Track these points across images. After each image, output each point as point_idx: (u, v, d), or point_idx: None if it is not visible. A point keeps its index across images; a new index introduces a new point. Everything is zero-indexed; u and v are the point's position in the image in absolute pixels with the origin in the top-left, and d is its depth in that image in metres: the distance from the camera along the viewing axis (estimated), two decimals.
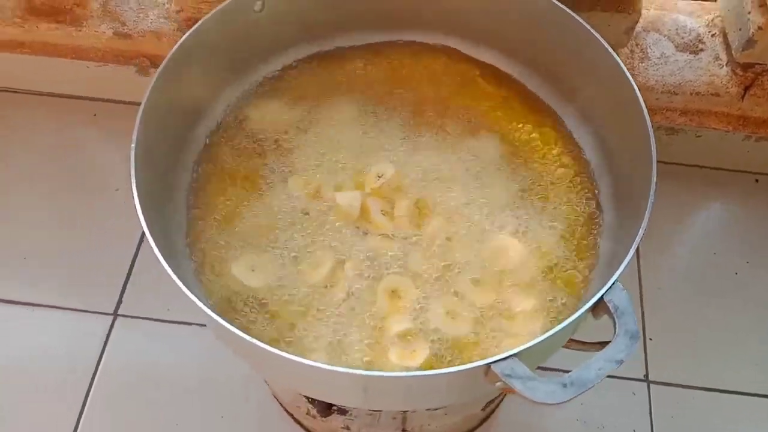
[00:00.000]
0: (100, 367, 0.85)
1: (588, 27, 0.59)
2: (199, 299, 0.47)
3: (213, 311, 0.47)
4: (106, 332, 0.87)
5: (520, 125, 0.63)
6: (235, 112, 0.64)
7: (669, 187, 1.00)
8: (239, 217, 0.59)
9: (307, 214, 0.58)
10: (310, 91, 0.66)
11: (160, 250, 0.49)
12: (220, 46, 0.60)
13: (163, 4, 0.96)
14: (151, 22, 0.95)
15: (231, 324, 0.46)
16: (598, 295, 0.44)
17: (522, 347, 0.42)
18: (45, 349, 0.86)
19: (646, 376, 0.87)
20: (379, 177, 0.58)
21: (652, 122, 0.96)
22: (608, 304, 0.43)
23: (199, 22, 0.58)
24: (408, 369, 0.51)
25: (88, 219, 0.96)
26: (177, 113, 0.59)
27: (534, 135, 0.62)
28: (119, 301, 0.89)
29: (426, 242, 0.56)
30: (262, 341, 0.45)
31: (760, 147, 0.96)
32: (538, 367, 0.53)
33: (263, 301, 0.55)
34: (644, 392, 0.86)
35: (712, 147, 0.97)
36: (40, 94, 1.07)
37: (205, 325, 0.86)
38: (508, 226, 0.57)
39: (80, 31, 0.95)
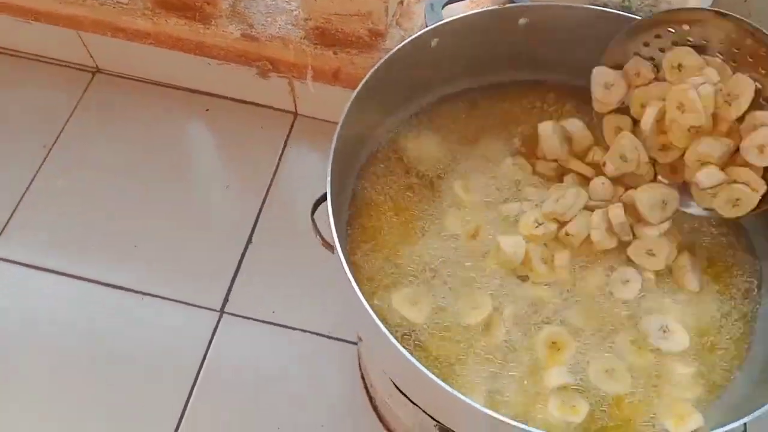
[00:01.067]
0: (205, 362, 0.87)
1: None
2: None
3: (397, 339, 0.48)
4: (213, 328, 0.89)
5: None
6: (393, 141, 0.65)
7: None
8: (397, 248, 0.60)
9: (466, 254, 0.59)
10: (466, 127, 0.66)
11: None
12: (393, 76, 0.61)
13: (292, 11, 0.97)
14: (279, 28, 0.96)
15: (417, 361, 0.47)
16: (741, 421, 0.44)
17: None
18: (152, 339, 0.88)
19: None
20: (538, 224, 0.58)
21: None
22: None
23: (391, 51, 0.59)
24: (569, 424, 0.52)
25: (197, 213, 0.98)
26: (351, 140, 0.59)
27: None
28: (226, 299, 0.91)
29: (585, 296, 0.57)
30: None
31: None
32: None
33: (420, 336, 0.56)
34: None
35: None
36: (155, 83, 1.09)
37: (309, 332, 0.87)
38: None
39: (208, 29, 0.96)
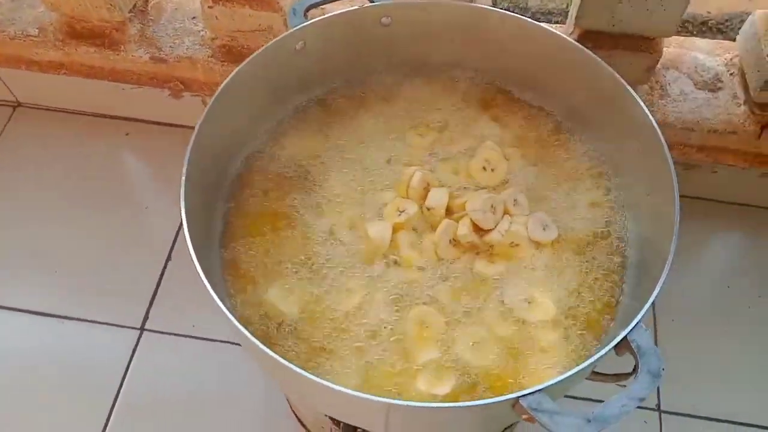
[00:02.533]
0: (125, 380, 0.87)
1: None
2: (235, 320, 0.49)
3: (249, 332, 0.49)
4: (133, 346, 0.90)
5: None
6: (270, 142, 0.67)
7: (684, 220, 1.01)
8: (275, 244, 0.61)
9: (339, 243, 0.61)
10: (341, 121, 0.68)
11: (204, 272, 0.51)
12: (262, 80, 0.63)
13: (198, 31, 0.99)
14: (186, 48, 0.98)
15: (267, 347, 0.48)
16: (622, 335, 0.46)
17: (549, 382, 0.44)
18: (73, 361, 0.89)
19: (658, 405, 0.88)
20: (400, 212, 0.60)
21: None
22: (631, 344, 0.45)
23: (247, 59, 0.61)
24: (435, 397, 0.53)
25: (116, 235, 0.99)
26: (219, 144, 0.61)
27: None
28: (146, 317, 0.92)
29: (454, 275, 0.59)
30: (294, 364, 0.47)
31: None
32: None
33: (297, 326, 0.57)
34: (656, 421, 0.87)
35: (727, 182, 0.99)
36: (75, 112, 1.10)
37: (229, 343, 0.88)
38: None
39: (118, 54, 0.99)
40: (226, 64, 0.97)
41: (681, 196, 1.03)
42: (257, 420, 0.84)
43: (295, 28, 0.62)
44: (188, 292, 0.93)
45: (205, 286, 0.52)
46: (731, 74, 0.97)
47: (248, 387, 0.86)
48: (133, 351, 0.89)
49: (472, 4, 0.66)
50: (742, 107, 0.94)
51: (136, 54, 0.98)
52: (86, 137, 1.08)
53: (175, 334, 0.91)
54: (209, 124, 0.58)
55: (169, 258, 0.97)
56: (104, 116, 1.10)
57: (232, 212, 0.63)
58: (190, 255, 0.52)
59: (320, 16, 0.65)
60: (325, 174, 0.65)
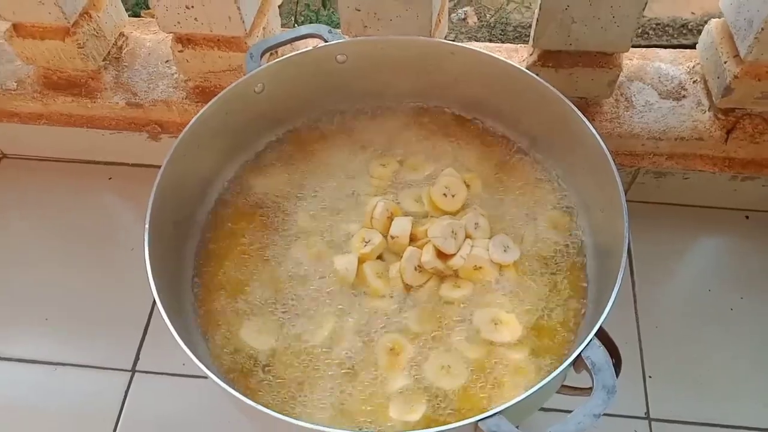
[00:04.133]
0: (119, 422, 0.88)
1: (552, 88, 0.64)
2: (207, 360, 0.51)
3: (216, 374, 0.51)
4: (125, 388, 0.91)
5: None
6: (238, 182, 0.69)
7: (661, 226, 1.03)
8: (245, 282, 0.63)
9: (308, 277, 0.63)
10: (305, 157, 0.71)
11: (168, 316, 0.53)
12: (224, 122, 0.65)
13: (172, 74, 1.02)
14: (161, 92, 1.01)
15: (233, 388, 0.50)
16: (576, 353, 0.47)
17: (507, 405, 0.45)
18: (67, 407, 0.90)
19: (647, 413, 0.89)
20: (366, 243, 0.62)
21: (639, 168, 1.00)
22: (585, 361, 0.47)
23: (208, 104, 0.63)
24: (407, 424, 0.54)
25: (105, 278, 1.01)
26: (185, 188, 0.63)
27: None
28: (137, 358, 0.94)
29: (421, 301, 0.60)
30: (270, 402, 0.49)
31: (747, 186, 1.00)
32: None
33: (269, 362, 0.59)
34: (646, 429, 0.88)
35: (700, 187, 1.01)
36: (58, 160, 1.13)
37: None
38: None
39: (95, 102, 1.01)
40: (200, 104, 1.00)
41: (656, 203, 1.05)
42: None
43: (252, 72, 0.64)
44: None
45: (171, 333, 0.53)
46: (694, 82, 0.99)
47: (241, 423, 0.87)
48: (126, 392, 0.91)
49: (423, 38, 0.69)
50: (707, 113, 0.96)
51: (112, 100, 1.01)
52: (70, 184, 1.10)
53: (166, 374, 0.92)
54: (174, 166, 0.60)
55: None
56: (87, 162, 1.12)
57: (202, 252, 0.65)
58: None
59: (276, 58, 0.67)
60: (292, 210, 0.67)
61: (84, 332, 0.96)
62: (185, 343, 0.51)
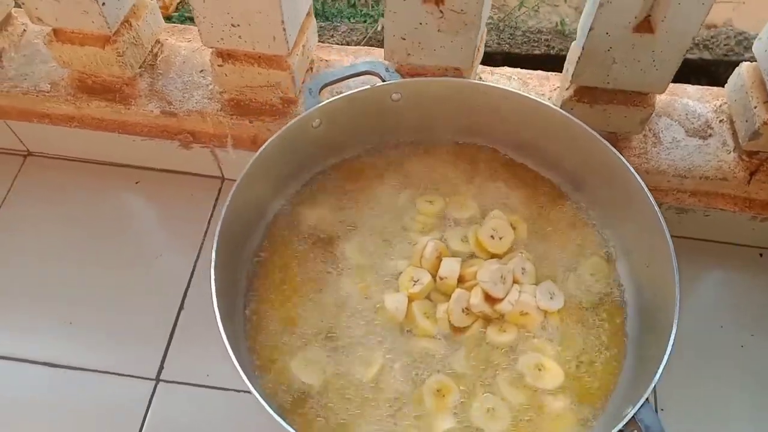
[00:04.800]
0: (143, 430, 0.90)
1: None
2: (259, 393, 0.52)
3: (276, 412, 0.52)
4: (149, 397, 0.92)
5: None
6: (288, 213, 0.70)
7: (678, 260, 1.05)
8: (295, 314, 0.65)
9: (357, 313, 0.64)
10: (354, 190, 0.72)
11: (229, 344, 0.54)
12: (282, 156, 0.67)
13: (207, 85, 1.02)
14: (196, 102, 1.01)
15: (290, 424, 0.52)
16: (630, 414, 0.49)
17: None
18: (90, 413, 0.91)
19: None
20: (414, 282, 0.64)
21: (663, 203, 1.02)
22: (639, 424, 0.49)
23: (269, 140, 0.64)
24: None
25: (129, 284, 1.01)
26: (242, 217, 0.64)
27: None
28: (161, 367, 0.95)
29: (467, 345, 0.62)
30: None
31: (765, 226, 1.02)
32: None
33: (318, 398, 0.60)
34: None
35: (719, 225, 1.03)
36: (84, 161, 1.13)
37: (244, 392, 0.91)
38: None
39: (129, 109, 1.01)
40: (234, 117, 1.00)
41: (674, 237, 1.07)
42: None
43: (313, 108, 0.66)
44: (201, 341, 0.95)
45: (231, 358, 0.54)
46: (720, 121, 1.01)
47: None
48: (150, 401, 0.92)
49: (476, 82, 0.70)
50: (732, 154, 0.98)
51: (146, 108, 1.01)
52: (96, 186, 1.10)
53: (190, 384, 0.93)
54: (235, 200, 0.61)
55: (182, 307, 0.99)
56: (114, 164, 1.12)
57: (254, 282, 0.66)
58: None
59: (336, 95, 0.68)
60: (341, 243, 0.68)
61: (108, 338, 0.96)
62: (245, 374, 0.52)
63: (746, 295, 1.03)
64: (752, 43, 0.95)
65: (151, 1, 1.02)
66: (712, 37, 1.64)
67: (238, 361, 0.53)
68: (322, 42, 1.39)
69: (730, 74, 1.00)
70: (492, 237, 0.66)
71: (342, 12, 2.07)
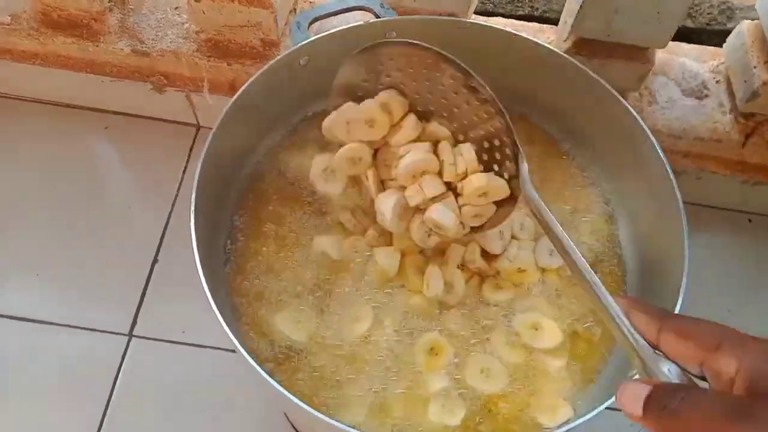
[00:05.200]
0: (115, 388, 0.86)
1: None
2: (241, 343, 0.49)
3: (260, 366, 0.48)
4: (122, 353, 0.88)
5: None
6: (272, 159, 0.66)
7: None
8: (280, 266, 0.61)
9: (347, 266, 0.60)
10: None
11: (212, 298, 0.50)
12: (265, 96, 0.61)
13: (182, 23, 0.95)
14: (170, 42, 0.94)
15: (274, 378, 0.48)
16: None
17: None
18: (59, 369, 0.87)
19: None
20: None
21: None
22: None
23: (251, 78, 0.59)
24: (447, 427, 0.54)
25: (100, 236, 0.96)
26: (222, 164, 0.60)
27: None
28: (134, 322, 0.90)
29: (461, 302, 0.59)
30: (304, 394, 0.47)
31: (756, 190, 1.01)
32: None
33: (305, 354, 0.57)
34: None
35: (711, 188, 1.02)
36: (50, 103, 1.06)
37: (221, 349, 0.88)
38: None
39: (97, 46, 0.94)
40: (212, 59, 0.94)
41: None
42: (252, 428, 0.84)
43: (301, 43, 0.60)
44: (177, 296, 0.91)
45: (214, 313, 0.50)
46: (717, 82, 0.98)
47: (242, 394, 0.85)
48: (122, 358, 0.88)
49: (478, 23, 0.66)
50: (728, 116, 0.96)
51: (116, 46, 0.94)
52: (63, 130, 1.04)
53: (165, 341, 0.89)
54: (215, 141, 0.56)
55: (155, 260, 0.94)
56: (81, 108, 1.05)
57: (236, 231, 0.62)
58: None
59: (325, 31, 0.63)
60: (330, 192, 0.64)
61: (76, 291, 0.91)
62: (230, 330, 0.48)
63: (733, 258, 1.03)
64: (735, 13, 0.92)
65: None
66: (695, 5, 1.61)
67: (222, 316, 0.48)
68: None
69: (713, 43, 0.98)
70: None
71: None
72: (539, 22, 1.01)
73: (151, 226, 0.97)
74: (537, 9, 1.63)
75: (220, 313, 0.49)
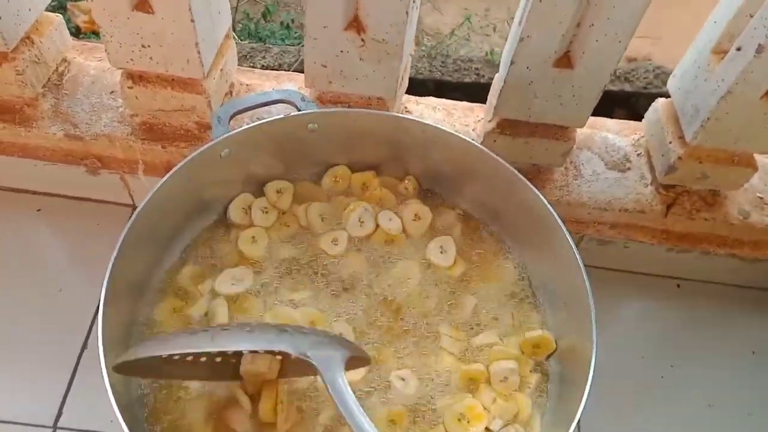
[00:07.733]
0: None
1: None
2: None
3: None
4: None
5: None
6: (196, 247, 0.66)
7: (599, 290, 1.06)
8: None
9: None
10: None
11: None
12: (185, 188, 0.62)
13: (117, 107, 0.96)
14: (104, 125, 0.95)
15: None
16: None
17: None
18: None
19: None
20: None
21: (584, 235, 1.03)
22: None
23: (170, 171, 0.60)
24: None
25: (28, 321, 0.93)
26: (142, 252, 0.59)
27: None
28: (59, 413, 0.87)
29: None
30: None
31: (681, 258, 1.05)
32: None
33: None
34: None
35: (638, 257, 1.05)
36: None
37: None
38: None
39: (29, 131, 0.94)
40: (146, 142, 0.95)
41: (595, 267, 1.09)
42: None
43: (220, 137, 0.62)
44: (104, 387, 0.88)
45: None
46: (638, 155, 1.03)
47: None
48: None
49: (395, 115, 0.68)
50: (649, 187, 1.00)
51: (49, 131, 0.94)
52: None
53: (91, 431, 0.86)
54: (133, 231, 0.56)
55: (85, 346, 0.92)
56: (13, 190, 1.04)
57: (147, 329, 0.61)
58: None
59: (246, 124, 0.65)
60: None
61: (2, 382, 0.88)
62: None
63: (665, 324, 1.05)
64: (669, 78, 0.98)
65: (56, 17, 0.96)
66: (632, 70, 1.71)
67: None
68: (253, 64, 1.35)
69: (650, 106, 1.03)
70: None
71: (275, 33, 2.03)
72: (483, 90, 1.03)
73: (82, 310, 0.94)
74: (483, 76, 1.70)
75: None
